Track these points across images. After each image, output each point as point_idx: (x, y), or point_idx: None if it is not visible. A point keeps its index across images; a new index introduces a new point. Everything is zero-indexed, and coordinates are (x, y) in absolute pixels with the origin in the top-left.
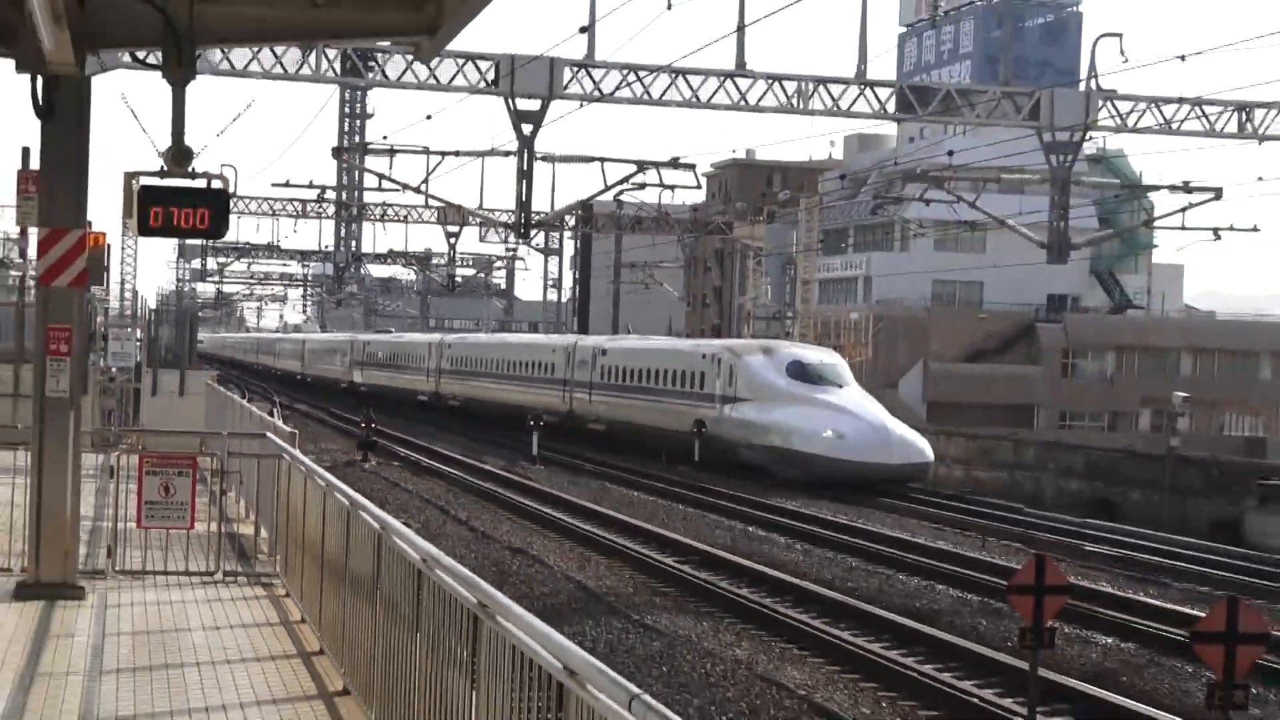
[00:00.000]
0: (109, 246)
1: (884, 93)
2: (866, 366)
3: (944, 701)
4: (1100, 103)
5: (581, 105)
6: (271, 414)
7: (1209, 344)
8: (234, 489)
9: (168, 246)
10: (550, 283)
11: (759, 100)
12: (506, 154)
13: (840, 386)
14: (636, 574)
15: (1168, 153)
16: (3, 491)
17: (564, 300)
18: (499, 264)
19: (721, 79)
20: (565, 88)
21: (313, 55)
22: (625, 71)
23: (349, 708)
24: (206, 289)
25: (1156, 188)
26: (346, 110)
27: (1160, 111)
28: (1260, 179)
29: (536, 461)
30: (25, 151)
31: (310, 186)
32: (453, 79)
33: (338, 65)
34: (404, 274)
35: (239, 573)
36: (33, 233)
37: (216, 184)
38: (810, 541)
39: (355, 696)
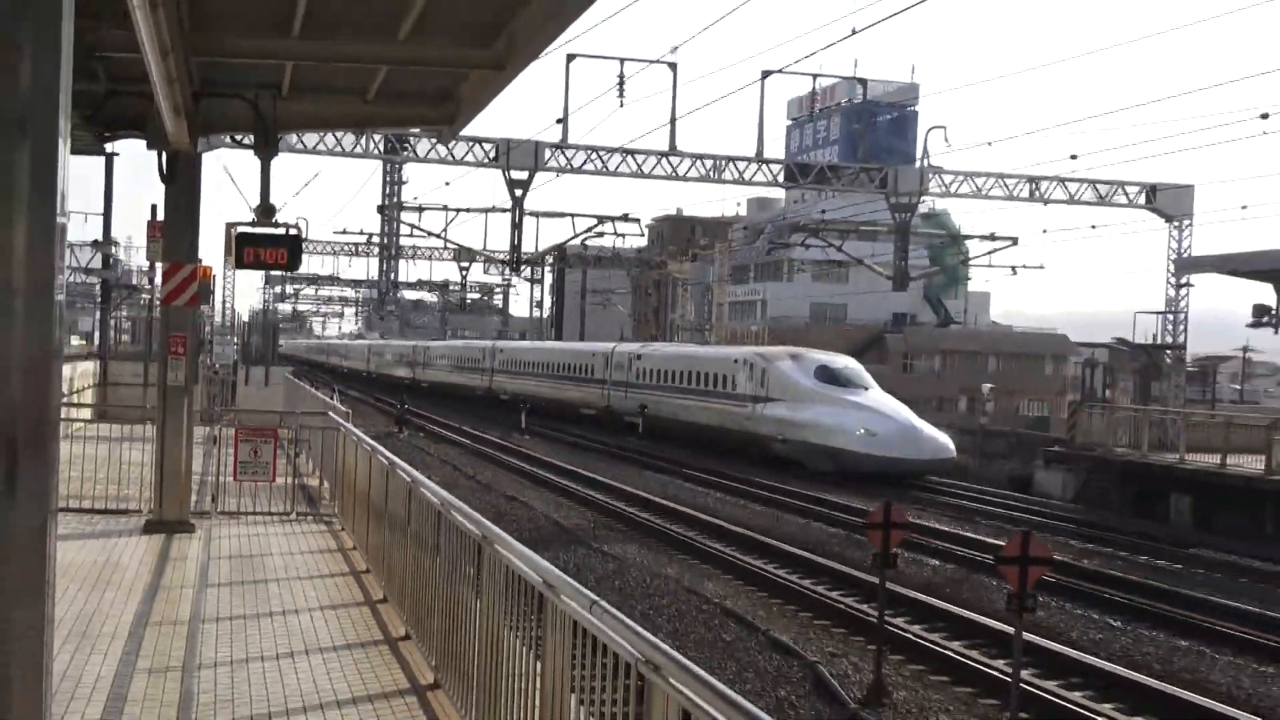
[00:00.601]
0: (214, 276)
1: (776, 168)
2: None
3: (816, 605)
4: (930, 176)
5: (557, 175)
6: (331, 399)
7: (1008, 349)
8: (304, 452)
9: (257, 276)
10: (535, 304)
11: (686, 172)
12: (503, 210)
13: (865, 389)
14: (597, 514)
15: (979, 212)
16: (136, 454)
17: (545, 316)
18: (497, 290)
19: (659, 157)
20: (545, 163)
21: (363, 139)
22: (589, 151)
23: (388, 612)
24: (285, 307)
25: (970, 237)
26: (387, 177)
27: (974, 182)
28: (1045, 230)
29: (525, 434)
30: (154, 208)
31: (360, 234)
32: (464, 156)
33: (381, 145)
34: (429, 297)
35: (307, 513)
36: (158, 266)
37: (293, 231)
38: (722, 491)
39: (392, 603)
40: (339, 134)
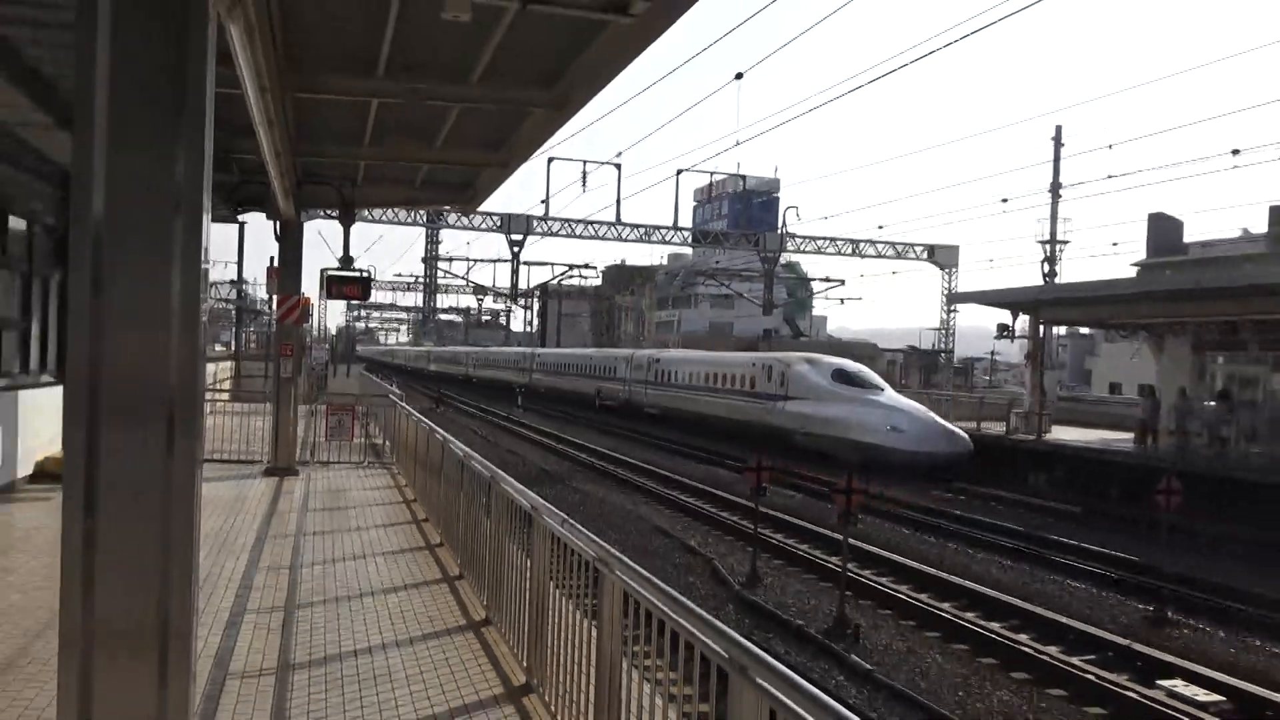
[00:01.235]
0: (312, 304)
1: (686, 233)
2: None
3: (714, 521)
4: (787, 239)
5: (541, 237)
6: (391, 385)
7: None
8: (373, 422)
9: (341, 304)
10: (527, 323)
11: (626, 236)
12: (506, 261)
13: (881, 389)
14: (570, 463)
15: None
16: (259, 423)
17: (534, 331)
18: (501, 313)
19: (609, 225)
20: (534, 229)
21: (413, 213)
22: (563, 222)
23: (428, 528)
24: (360, 324)
25: (813, 279)
26: (429, 238)
27: (816, 243)
28: (862, 275)
29: (521, 409)
30: (271, 258)
31: (411, 276)
32: (480, 224)
33: (424, 216)
34: (457, 318)
35: (374, 462)
36: (274, 298)
37: (364, 274)
38: (663, 450)
39: (432, 521)
40: (396, 210)
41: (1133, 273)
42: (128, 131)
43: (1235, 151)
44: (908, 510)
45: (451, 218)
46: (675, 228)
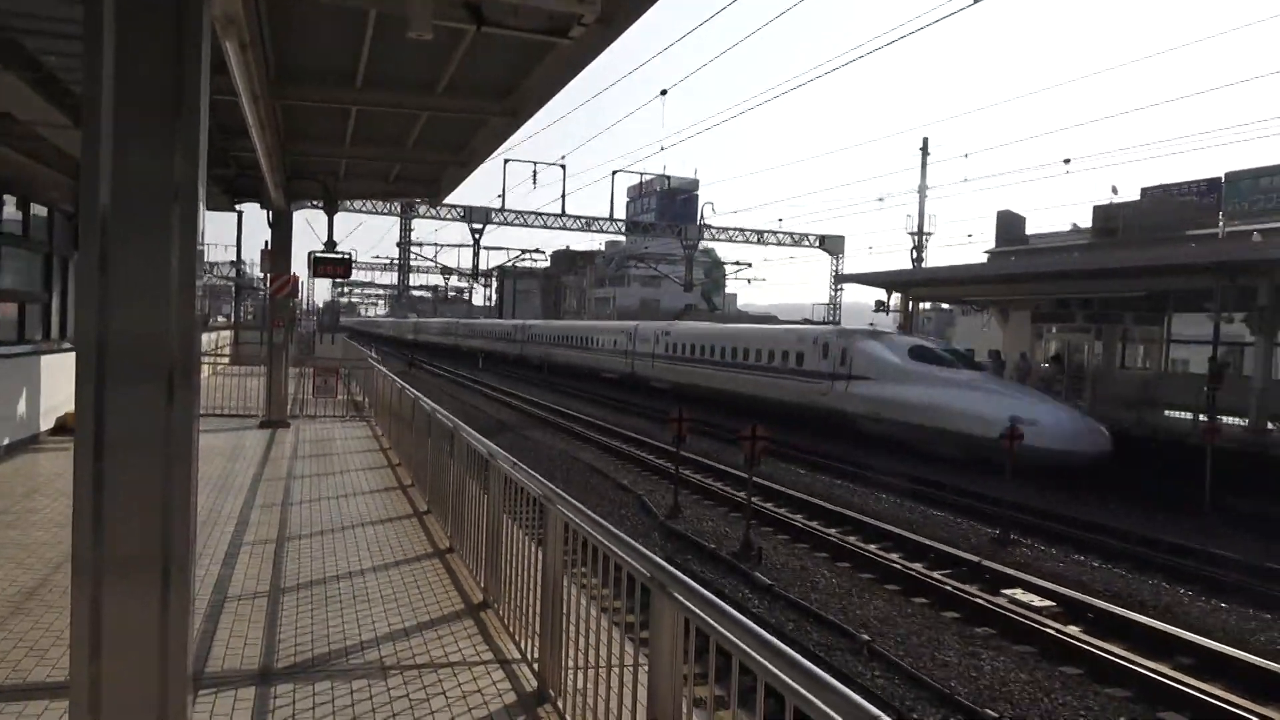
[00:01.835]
0: (300, 281)
1: (621, 224)
2: None
3: (644, 464)
4: (704, 230)
5: (498, 226)
6: (370, 351)
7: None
8: (355, 381)
9: (327, 282)
10: (487, 299)
11: (571, 225)
12: (469, 245)
13: (971, 369)
14: (522, 416)
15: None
16: (255, 383)
17: (492, 305)
18: (465, 291)
19: (556, 216)
20: (492, 219)
21: (388, 203)
22: (517, 214)
23: (401, 471)
24: (344, 299)
25: (726, 262)
26: (403, 225)
27: (728, 233)
28: (766, 259)
29: (481, 368)
30: (266, 241)
31: (387, 259)
32: (446, 215)
33: (397, 207)
34: (427, 294)
35: (355, 416)
36: (268, 276)
37: (346, 256)
38: (598, 404)
39: (404, 466)
40: (373, 201)
41: (984, 259)
42: (131, 131)
43: (1067, 160)
44: (805, 454)
45: (421, 209)
46: (611, 219)
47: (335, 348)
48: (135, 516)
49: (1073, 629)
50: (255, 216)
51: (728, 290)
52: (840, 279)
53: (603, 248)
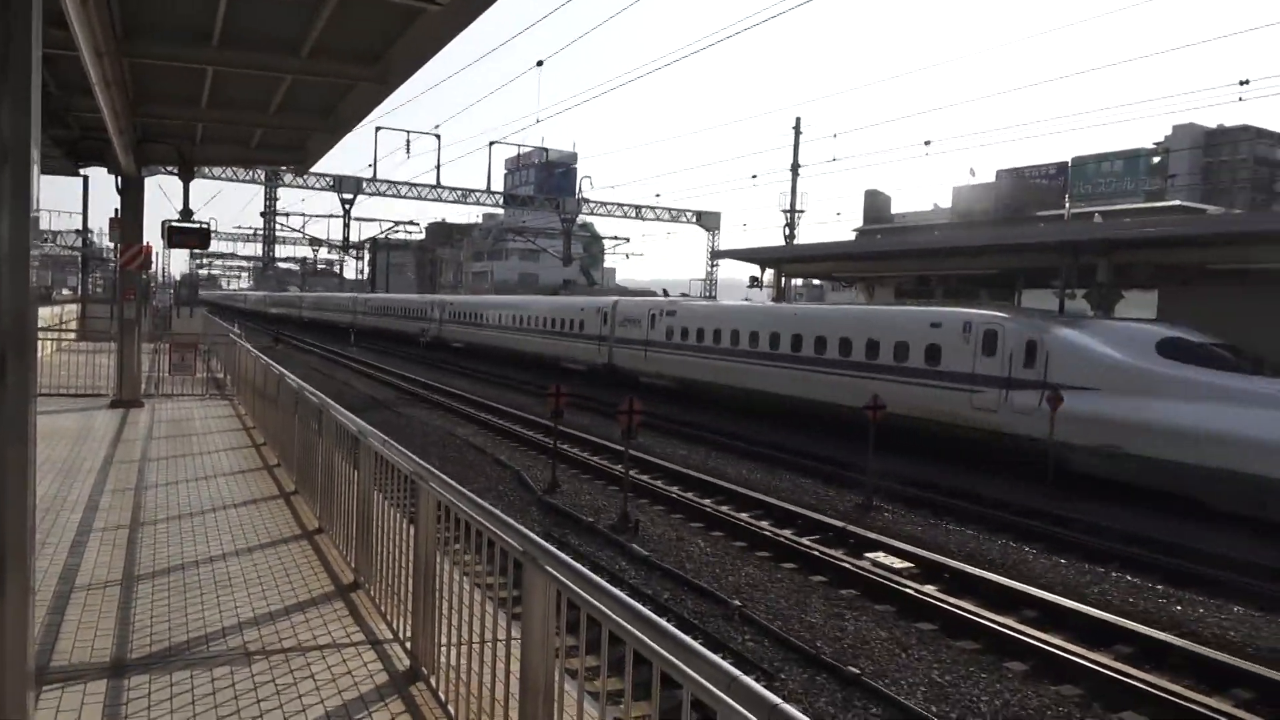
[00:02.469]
0: (154, 252)
1: (498, 196)
2: None
3: (522, 439)
4: (583, 204)
5: (370, 197)
6: (234, 327)
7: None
8: (215, 358)
9: (185, 252)
10: (359, 272)
11: (446, 197)
12: (339, 216)
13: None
14: (395, 392)
15: (610, 223)
16: (105, 360)
17: (365, 279)
18: (336, 263)
19: (431, 188)
20: (363, 189)
21: (251, 171)
22: (390, 184)
23: (267, 451)
24: (203, 271)
25: (605, 237)
26: (268, 194)
27: (607, 207)
28: (644, 235)
29: (353, 345)
30: (115, 209)
31: (251, 228)
32: (314, 184)
33: (263, 175)
34: (294, 266)
35: (216, 394)
36: (118, 246)
37: (204, 226)
38: (473, 379)
39: (270, 445)
40: (234, 169)
41: (852, 236)
42: None
43: (927, 142)
44: (681, 426)
45: (287, 177)
46: (489, 191)
47: (196, 322)
48: None
49: (929, 588)
50: (104, 182)
51: (606, 265)
52: (716, 255)
53: (480, 220)
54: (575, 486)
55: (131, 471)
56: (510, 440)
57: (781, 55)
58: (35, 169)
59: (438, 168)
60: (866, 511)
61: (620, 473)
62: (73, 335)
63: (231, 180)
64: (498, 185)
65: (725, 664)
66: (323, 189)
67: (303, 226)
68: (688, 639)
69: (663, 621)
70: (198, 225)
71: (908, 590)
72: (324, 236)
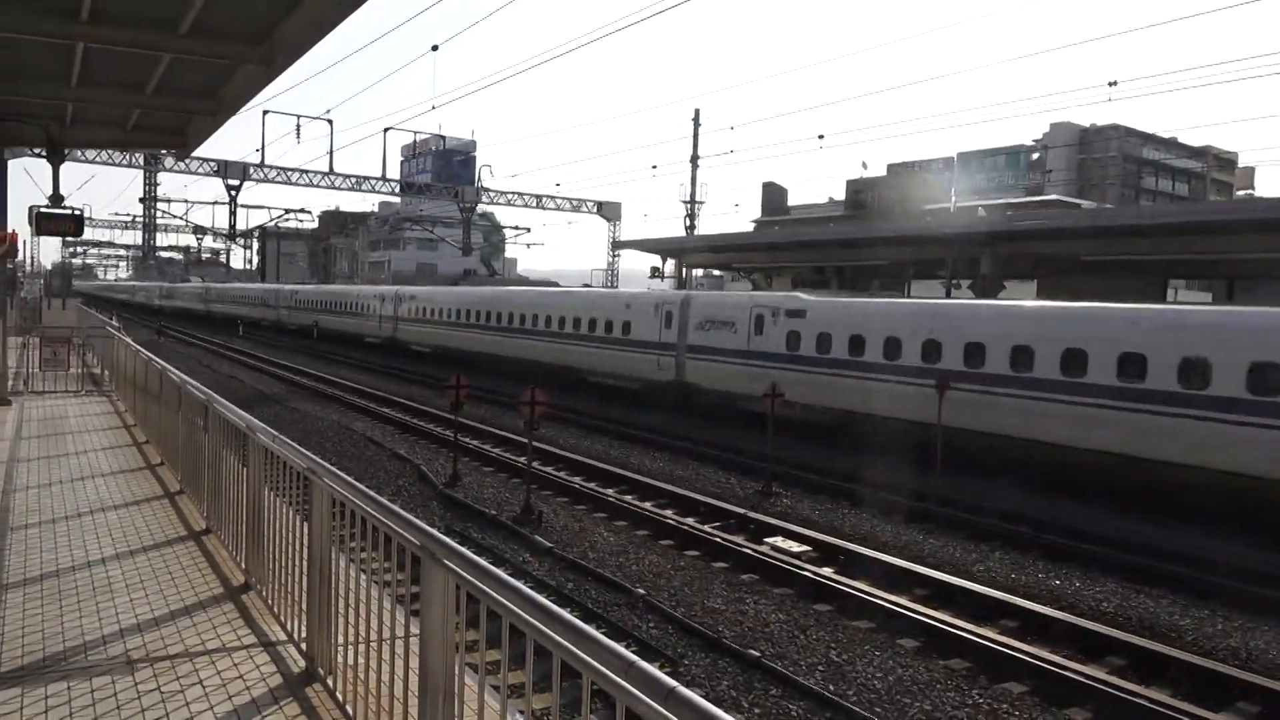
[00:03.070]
0: (21, 240)
1: (395, 184)
2: None
3: (421, 432)
4: (482, 193)
5: (258, 183)
6: (112, 319)
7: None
8: (91, 352)
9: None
10: (247, 261)
11: (340, 184)
12: (224, 204)
13: None
14: (287, 386)
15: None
16: None
17: (254, 269)
18: (222, 252)
19: (323, 174)
20: (251, 175)
21: (128, 154)
22: (280, 170)
23: (149, 450)
24: (78, 260)
25: (506, 227)
26: (147, 179)
27: (507, 196)
28: (545, 225)
29: (242, 337)
30: None
31: (129, 215)
32: (198, 169)
33: (141, 159)
34: (177, 256)
35: (93, 391)
36: None
37: (77, 212)
38: (366, 370)
39: (152, 442)
40: (110, 152)
41: (751, 228)
42: None
43: (821, 136)
44: (584, 417)
45: (168, 161)
46: (384, 179)
47: (69, 314)
48: None
49: (826, 570)
50: None
51: (507, 255)
52: (617, 245)
53: (375, 209)
54: (477, 479)
55: (0, 474)
56: (410, 434)
57: (681, 46)
58: None
59: (330, 154)
60: (766, 497)
61: (523, 465)
62: None
63: (107, 164)
64: (394, 173)
65: (623, 650)
66: (207, 174)
67: (186, 213)
68: (586, 627)
69: (562, 611)
70: (69, 211)
71: (805, 573)
72: (209, 224)
